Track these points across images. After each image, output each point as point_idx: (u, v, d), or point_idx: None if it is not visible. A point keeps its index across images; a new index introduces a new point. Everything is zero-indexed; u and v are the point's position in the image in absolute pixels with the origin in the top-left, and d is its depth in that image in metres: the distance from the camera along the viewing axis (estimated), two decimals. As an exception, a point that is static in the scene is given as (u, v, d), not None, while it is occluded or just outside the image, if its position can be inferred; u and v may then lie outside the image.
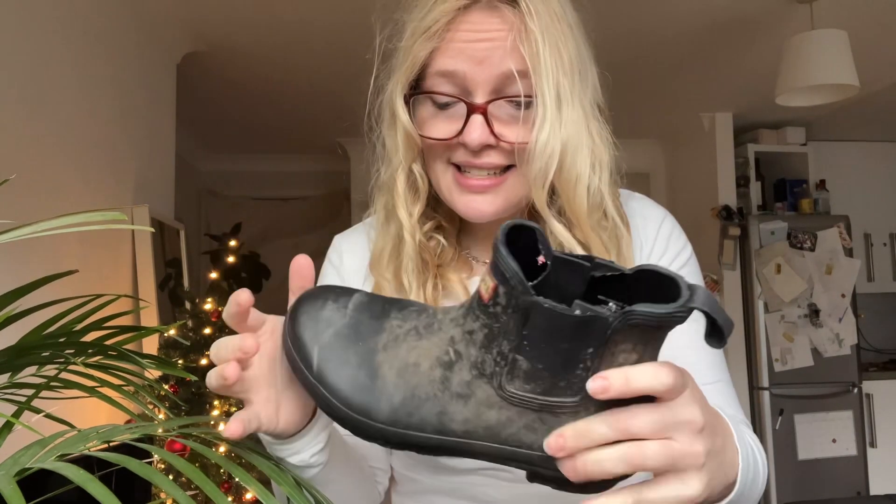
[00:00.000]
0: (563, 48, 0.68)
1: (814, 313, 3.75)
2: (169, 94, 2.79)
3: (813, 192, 4.09)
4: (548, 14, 0.68)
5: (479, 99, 0.68)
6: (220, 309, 2.28)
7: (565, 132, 0.68)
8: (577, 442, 0.43)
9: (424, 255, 0.75)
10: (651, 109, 3.87)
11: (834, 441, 3.71)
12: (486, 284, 0.43)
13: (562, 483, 0.46)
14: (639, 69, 3.16)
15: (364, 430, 0.47)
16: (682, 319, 0.40)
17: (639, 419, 0.42)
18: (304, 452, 0.57)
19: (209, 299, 2.29)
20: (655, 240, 0.79)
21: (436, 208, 0.78)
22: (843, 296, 3.79)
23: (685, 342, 0.67)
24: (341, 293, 0.52)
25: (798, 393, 3.71)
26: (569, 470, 0.43)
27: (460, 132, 0.69)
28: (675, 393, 0.43)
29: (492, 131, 0.68)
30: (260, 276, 3.99)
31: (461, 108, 0.69)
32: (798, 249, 3.80)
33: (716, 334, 0.42)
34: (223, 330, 2.27)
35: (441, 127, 0.71)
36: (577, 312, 0.40)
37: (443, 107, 0.71)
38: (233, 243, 3.73)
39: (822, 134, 4.19)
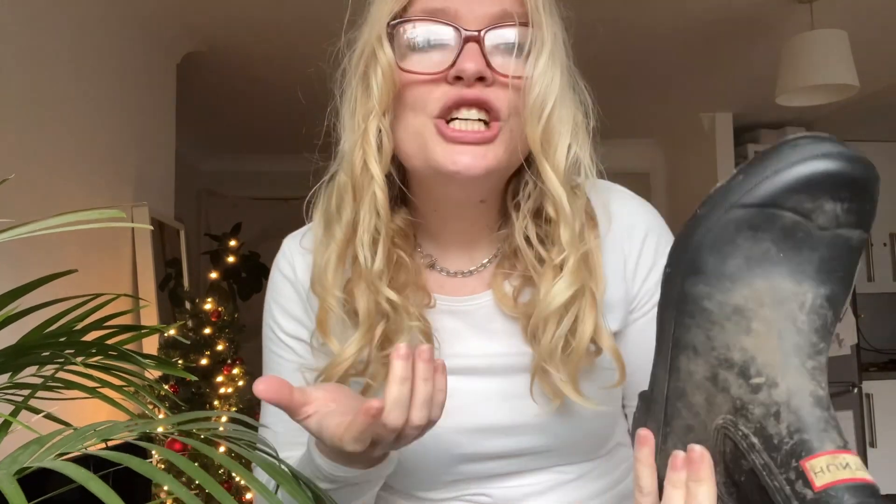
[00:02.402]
0: (555, 6, 0.66)
1: (814, 313, 3.75)
2: (169, 94, 2.79)
3: (813, 192, 4.08)
4: None
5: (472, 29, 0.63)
6: (220, 309, 2.28)
7: (559, 73, 0.64)
8: None
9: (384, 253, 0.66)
10: (651, 109, 3.87)
11: (834, 441, 3.70)
12: None
13: None
14: (639, 69, 3.16)
15: None
16: None
17: None
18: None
19: (209, 299, 2.29)
20: (641, 252, 0.72)
21: (391, 210, 0.68)
22: (843, 296, 3.79)
23: None
24: None
25: (798, 393, 3.71)
26: None
27: (452, 64, 0.62)
28: None
29: (487, 63, 0.62)
30: (260, 276, 3.99)
31: (450, 42, 0.63)
32: (798, 249, 3.79)
33: None
34: (223, 330, 2.27)
35: (427, 62, 0.63)
36: None
37: (426, 43, 0.64)
38: (233, 243, 3.73)
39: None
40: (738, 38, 2.89)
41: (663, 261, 0.70)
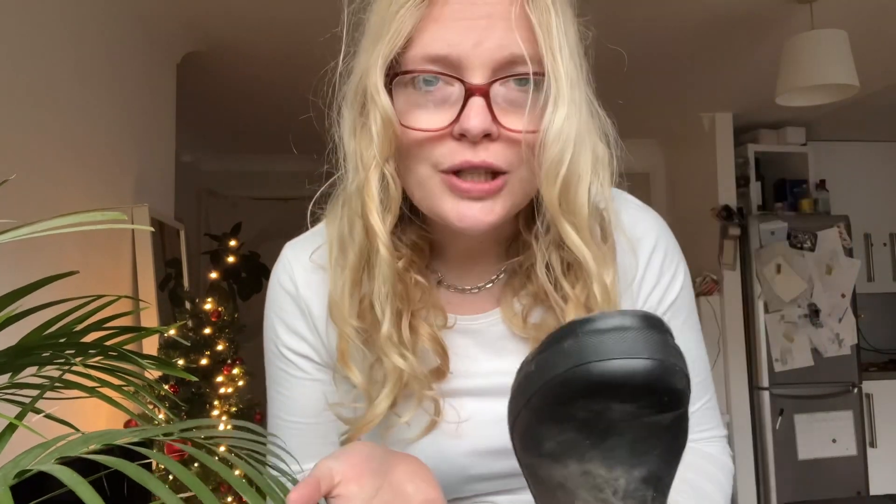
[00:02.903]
0: (570, 25, 0.60)
1: (814, 313, 3.75)
2: (169, 94, 2.79)
3: (813, 192, 4.09)
4: None
5: (477, 80, 0.57)
6: (220, 309, 2.28)
7: (578, 118, 0.58)
8: None
9: (398, 284, 0.63)
10: (651, 109, 3.87)
11: (834, 441, 3.71)
12: None
13: None
14: (639, 69, 3.16)
15: None
16: None
17: None
18: None
19: (209, 299, 2.29)
20: (647, 267, 0.71)
21: (400, 235, 0.66)
22: (843, 296, 3.79)
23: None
24: None
25: (798, 393, 3.71)
26: None
27: (456, 119, 0.57)
28: None
29: (494, 118, 0.57)
30: (260, 276, 3.99)
31: (453, 92, 0.58)
32: (798, 249, 3.80)
33: None
34: (223, 330, 2.27)
35: (429, 116, 0.58)
36: None
37: (428, 92, 0.58)
38: (233, 243, 3.73)
39: (822, 134, 4.19)
40: (738, 38, 2.90)
41: (667, 277, 0.72)
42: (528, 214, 0.66)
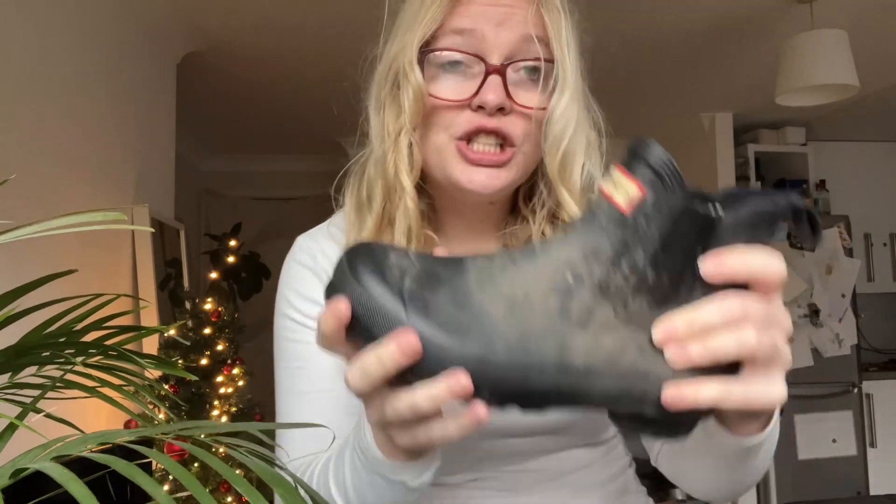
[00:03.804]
0: (575, 27, 0.71)
1: (814, 313, 3.75)
2: (169, 94, 2.79)
3: (813, 192, 4.09)
4: None
5: (495, 61, 0.68)
6: (220, 309, 2.28)
7: (578, 105, 0.70)
8: (689, 328, 0.41)
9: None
10: (651, 109, 3.87)
11: (834, 441, 3.71)
12: (626, 193, 0.41)
13: (662, 426, 0.43)
14: (639, 69, 3.16)
15: (481, 378, 0.41)
16: (785, 216, 0.44)
17: (750, 307, 0.41)
18: (430, 471, 0.55)
19: (209, 299, 2.29)
20: None
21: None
22: (843, 296, 3.79)
23: None
24: (395, 247, 0.44)
25: (798, 393, 3.71)
26: (677, 356, 0.41)
27: (476, 93, 0.67)
28: (777, 286, 0.43)
29: (508, 94, 0.67)
30: (260, 276, 4.00)
31: (474, 70, 0.68)
32: (798, 249, 3.80)
33: (814, 234, 0.45)
34: (223, 330, 2.27)
35: (452, 88, 0.69)
36: (721, 214, 0.41)
37: (453, 68, 0.69)
38: (233, 243, 3.74)
39: (822, 134, 4.19)
40: (738, 38, 2.90)
41: None
42: (527, 193, 0.76)
